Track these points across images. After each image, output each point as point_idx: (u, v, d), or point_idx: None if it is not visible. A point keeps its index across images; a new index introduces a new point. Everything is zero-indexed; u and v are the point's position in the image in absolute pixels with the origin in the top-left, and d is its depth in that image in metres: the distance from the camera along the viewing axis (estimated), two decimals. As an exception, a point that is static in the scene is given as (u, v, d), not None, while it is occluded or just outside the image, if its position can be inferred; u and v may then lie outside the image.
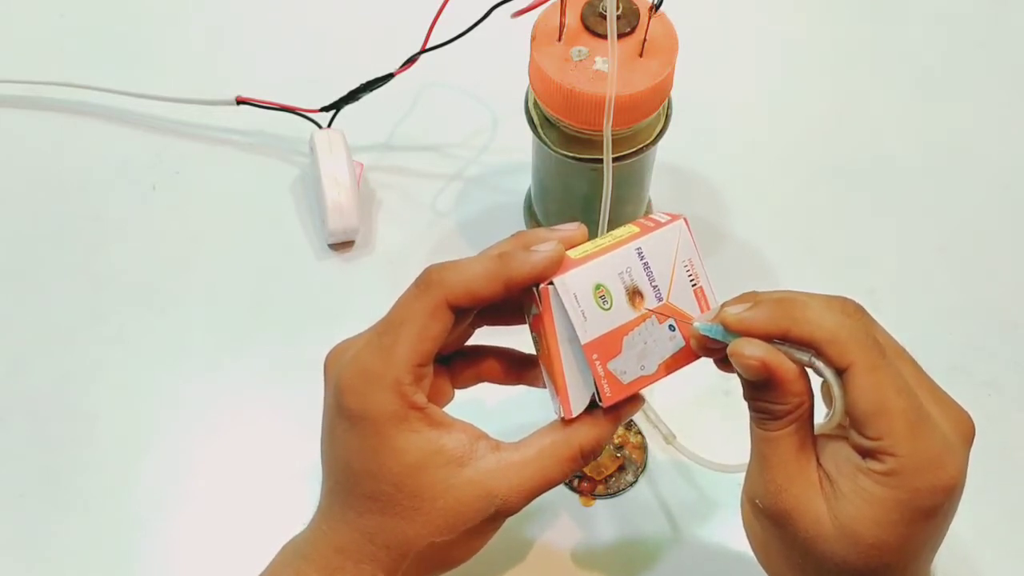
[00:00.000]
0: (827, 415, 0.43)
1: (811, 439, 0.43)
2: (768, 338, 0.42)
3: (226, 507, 0.59)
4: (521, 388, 0.51)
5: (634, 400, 0.46)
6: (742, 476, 0.53)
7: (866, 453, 0.41)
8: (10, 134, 0.73)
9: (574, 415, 0.45)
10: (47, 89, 0.74)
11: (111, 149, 0.72)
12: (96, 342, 0.64)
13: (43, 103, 0.74)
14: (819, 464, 0.43)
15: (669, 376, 0.46)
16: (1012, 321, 0.66)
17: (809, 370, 0.43)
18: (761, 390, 0.43)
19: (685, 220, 0.46)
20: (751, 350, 0.42)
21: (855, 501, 0.41)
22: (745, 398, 0.44)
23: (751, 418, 0.44)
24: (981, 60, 0.78)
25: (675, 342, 0.46)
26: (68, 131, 0.73)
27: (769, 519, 0.43)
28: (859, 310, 0.43)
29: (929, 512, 0.41)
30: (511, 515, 0.45)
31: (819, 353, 0.42)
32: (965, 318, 0.66)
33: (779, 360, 0.42)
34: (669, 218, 0.46)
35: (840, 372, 0.41)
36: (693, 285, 0.46)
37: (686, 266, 0.46)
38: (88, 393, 0.62)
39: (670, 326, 0.45)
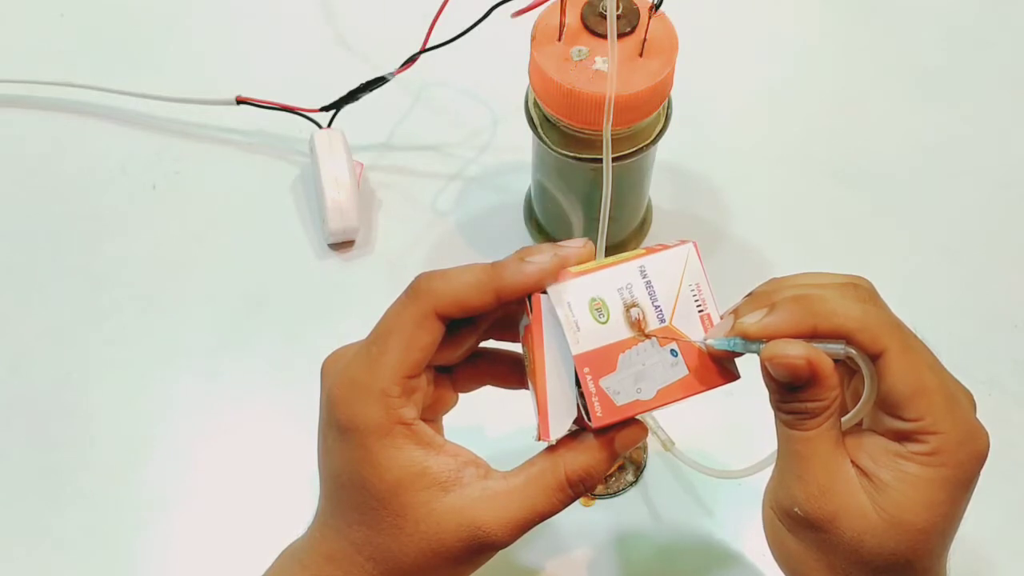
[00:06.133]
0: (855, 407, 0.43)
1: (842, 435, 0.43)
2: (793, 339, 0.41)
3: (226, 507, 0.59)
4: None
5: (634, 427, 0.44)
6: (740, 480, 0.53)
7: (904, 437, 0.41)
8: (10, 134, 0.73)
9: (551, 438, 0.43)
10: (47, 89, 0.74)
11: (111, 149, 0.72)
12: (96, 342, 0.64)
13: (43, 103, 0.74)
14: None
15: (668, 406, 0.43)
16: (1012, 321, 0.66)
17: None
18: (799, 391, 0.41)
19: (695, 245, 0.44)
20: (794, 350, 0.41)
21: (901, 488, 0.41)
22: (777, 402, 0.42)
23: (782, 422, 0.43)
24: (981, 60, 0.78)
25: (676, 369, 0.43)
26: (68, 131, 0.73)
27: (810, 527, 0.42)
28: (872, 293, 0.43)
29: (969, 483, 0.42)
30: (500, 549, 0.43)
31: (850, 343, 0.41)
32: (965, 318, 0.66)
33: (820, 356, 0.41)
34: (680, 243, 0.45)
35: (873, 359, 0.41)
36: (700, 311, 0.44)
37: (693, 290, 0.44)
38: (88, 393, 0.62)
39: (672, 351, 0.43)
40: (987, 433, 0.42)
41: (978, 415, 0.43)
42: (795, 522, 0.43)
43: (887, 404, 0.42)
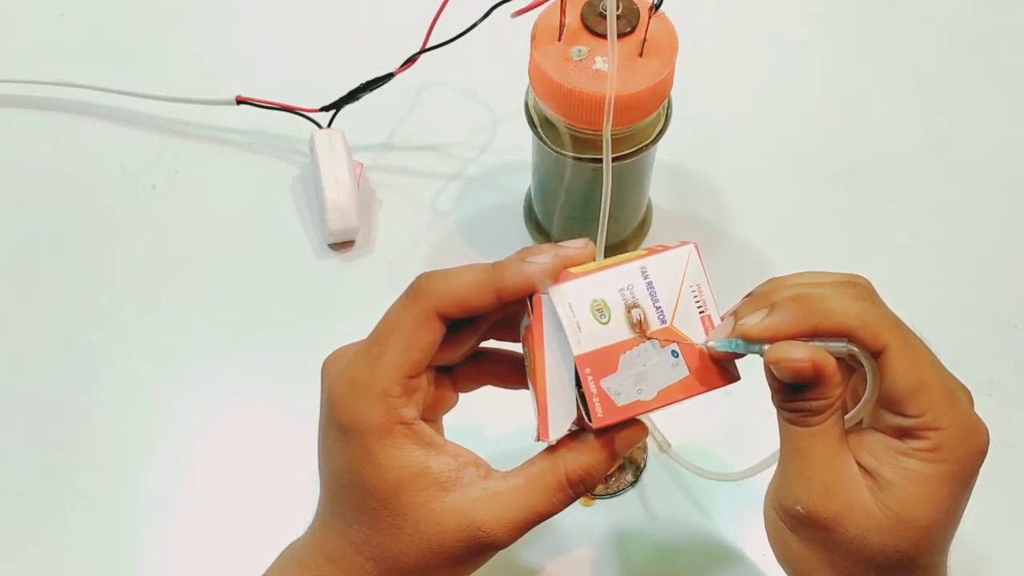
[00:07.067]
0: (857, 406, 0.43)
1: (844, 432, 0.43)
2: (795, 339, 0.41)
3: (226, 507, 0.59)
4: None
5: (634, 427, 0.44)
6: (739, 482, 0.53)
7: (906, 433, 0.41)
8: (10, 134, 0.73)
9: (551, 438, 0.43)
10: (47, 89, 0.74)
11: (111, 149, 0.72)
12: (96, 342, 0.64)
13: (43, 103, 0.74)
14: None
15: (668, 407, 0.43)
16: (1012, 321, 0.66)
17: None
18: (803, 390, 0.41)
19: (696, 246, 0.44)
20: (799, 352, 0.41)
21: (904, 485, 0.41)
22: (780, 402, 0.42)
23: (785, 419, 0.43)
24: (981, 60, 0.78)
25: (677, 370, 0.43)
26: (68, 131, 0.73)
27: (812, 525, 0.42)
28: (871, 291, 0.43)
29: (970, 479, 0.42)
30: (500, 549, 0.43)
31: (851, 340, 0.41)
32: (965, 318, 0.66)
33: (823, 356, 0.41)
34: (681, 244, 0.45)
35: (874, 356, 0.41)
36: (700, 312, 0.44)
37: (694, 292, 0.44)
38: (88, 393, 0.62)
39: (673, 352, 0.43)
40: (987, 429, 0.42)
41: (978, 415, 0.43)
42: (798, 521, 0.43)
43: (888, 401, 0.42)
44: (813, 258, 0.56)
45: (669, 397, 0.43)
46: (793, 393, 0.42)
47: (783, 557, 0.45)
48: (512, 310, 0.44)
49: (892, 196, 0.71)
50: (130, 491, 0.59)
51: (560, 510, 0.44)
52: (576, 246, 0.43)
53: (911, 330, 0.43)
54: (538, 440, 0.44)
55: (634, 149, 0.58)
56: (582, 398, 0.43)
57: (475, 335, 0.46)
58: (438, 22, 0.64)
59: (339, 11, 0.79)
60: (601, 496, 0.59)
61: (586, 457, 0.43)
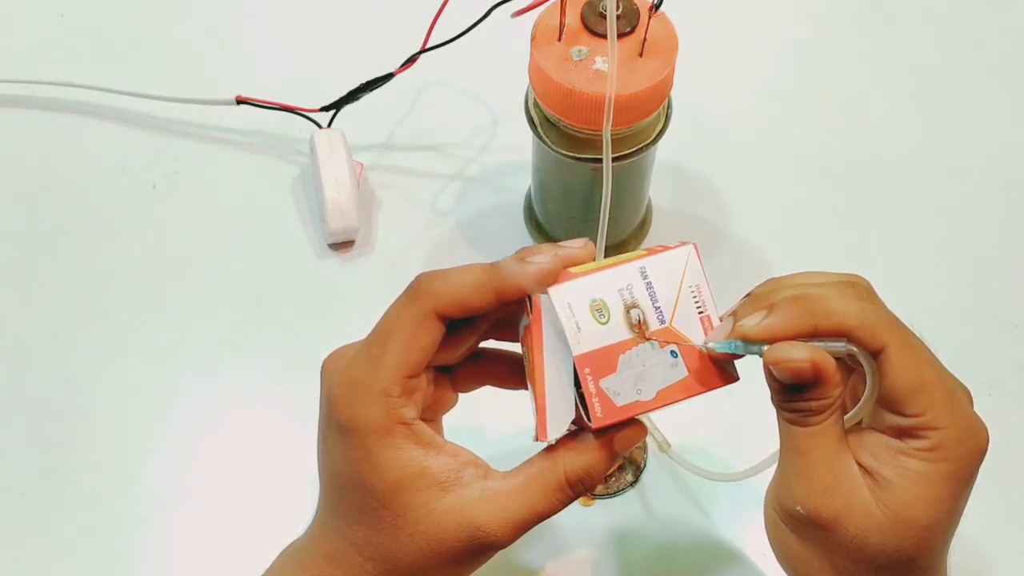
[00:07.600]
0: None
1: (844, 432, 0.43)
2: (794, 339, 0.41)
3: (226, 507, 0.59)
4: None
5: (633, 427, 0.44)
6: (739, 482, 0.53)
7: (906, 433, 0.41)
8: (10, 134, 0.73)
9: (549, 438, 0.43)
10: (47, 89, 0.74)
11: (111, 149, 0.72)
12: (96, 342, 0.64)
13: (43, 103, 0.74)
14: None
15: (667, 407, 0.43)
16: (1012, 321, 0.66)
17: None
18: (803, 391, 0.41)
19: (695, 246, 0.44)
20: (799, 353, 0.41)
21: (903, 485, 0.41)
22: (780, 402, 0.42)
23: (785, 419, 0.43)
24: (981, 60, 0.78)
25: (676, 371, 0.43)
26: (68, 131, 0.73)
27: (813, 525, 0.42)
28: (870, 291, 0.43)
29: (970, 478, 0.42)
30: (499, 549, 0.43)
31: (851, 340, 0.41)
32: (965, 318, 0.66)
33: (823, 356, 0.41)
34: (680, 245, 0.44)
35: (874, 356, 0.41)
36: (700, 313, 0.44)
37: (693, 292, 0.44)
38: (88, 393, 0.62)
39: (672, 352, 0.43)
40: (986, 428, 0.42)
41: (978, 414, 0.43)
42: (798, 521, 0.43)
43: (888, 400, 0.42)
44: (813, 258, 0.56)
45: (668, 397, 0.43)
46: (793, 393, 0.42)
47: (783, 557, 0.45)
48: (512, 310, 0.44)
49: (892, 196, 0.71)
50: (130, 491, 0.59)
51: (559, 510, 0.44)
52: (576, 246, 0.43)
53: (911, 330, 0.43)
54: (537, 440, 0.44)
55: (634, 149, 0.58)
56: (581, 398, 0.43)
57: (474, 335, 0.46)
58: (438, 22, 0.64)
59: (339, 11, 0.79)
60: (601, 496, 0.59)
61: (585, 457, 0.43)
